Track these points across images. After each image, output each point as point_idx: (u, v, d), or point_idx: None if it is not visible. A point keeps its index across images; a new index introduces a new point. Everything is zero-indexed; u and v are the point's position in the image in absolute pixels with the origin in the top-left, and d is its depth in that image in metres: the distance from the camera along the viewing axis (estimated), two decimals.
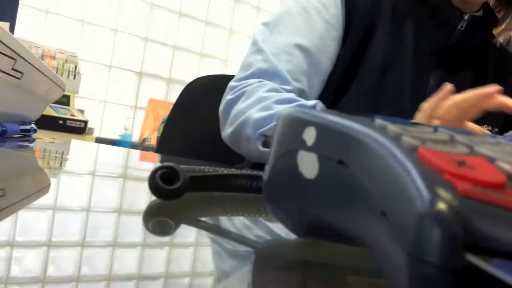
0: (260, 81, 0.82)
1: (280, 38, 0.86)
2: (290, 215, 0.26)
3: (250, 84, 0.82)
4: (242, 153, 0.85)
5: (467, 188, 0.16)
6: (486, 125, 0.90)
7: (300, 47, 0.85)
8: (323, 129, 0.23)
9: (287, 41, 0.85)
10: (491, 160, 0.18)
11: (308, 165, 0.23)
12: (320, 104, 0.77)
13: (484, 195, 0.16)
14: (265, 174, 0.27)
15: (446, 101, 0.72)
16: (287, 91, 0.82)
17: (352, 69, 0.89)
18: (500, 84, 0.92)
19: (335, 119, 0.22)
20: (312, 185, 0.23)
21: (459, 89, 0.90)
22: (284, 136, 0.26)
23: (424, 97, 0.83)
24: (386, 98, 0.90)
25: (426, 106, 0.74)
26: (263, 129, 0.76)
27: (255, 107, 0.78)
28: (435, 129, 0.22)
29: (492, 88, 0.71)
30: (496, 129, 0.93)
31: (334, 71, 0.90)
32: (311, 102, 0.77)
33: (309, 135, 0.23)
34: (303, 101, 0.78)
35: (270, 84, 0.81)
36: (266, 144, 0.79)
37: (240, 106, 0.81)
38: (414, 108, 0.81)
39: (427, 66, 0.94)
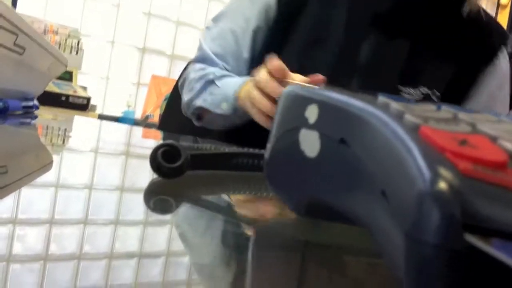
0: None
1: (219, 26, 0.95)
2: (290, 193, 0.26)
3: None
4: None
5: (468, 167, 0.16)
6: (423, 87, 0.90)
7: (231, 31, 0.93)
8: (325, 107, 0.22)
9: (222, 27, 0.94)
10: (493, 139, 0.18)
11: (310, 143, 0.23)
12: (222, 68, 0.86)
13: (485, 174, 0.15)
14: (267, 153, 0.27)
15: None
16: None
17: (281, 46, 0.93)
18: (442, 55, 0.90)
19: (337, 96, 0.22)
20: (313, 164, 0.23)
21: (395, 58, 0.90)
22: (286, 114, 0.26)
23: (354, 67, 0.88)
24: (313, 71, 0.89)
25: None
26: (191, 110, 0.89)
27: (185, 91, 0.91)
28: (439, 107, 0.22)
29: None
30: (437, 93, 0.91)
31: (263, 50, 0.93)
32: (215, 69, 0.87)
33: (312, 113, 0.23)
34: (211, 69, 0.87)
35: (197, 66, 0.91)
36: (200, 117, 0.90)
37: (182, 95, 0.94)
38: (344, 79, 0.86)
39: (361, 35, 0.94)
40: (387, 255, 0.17)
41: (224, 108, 0.83)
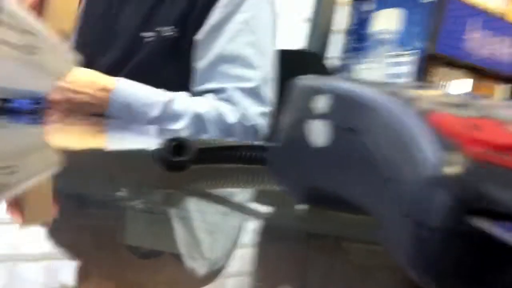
0: None
1: None
2: (295, 184, 0.26)
3: None
4: None
5: (478, 151, 0.15)
6: (161, 27, 0.95)
7: None
8: (333, 97, 0.22)
9: None
10: (503, 123, 0.17)
11: (317, 133, 0.23)
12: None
13: (495, 158, 0.15)
14: (273, 143, 0.27)
15: None
16: None
17: None
18: None
19: (345, 85, 0.21)
20: (320, 153, 0.23)
21: (133, 8, 0.99)
22: (293, 104, 0.26)
23: (96, 21, 1.02)
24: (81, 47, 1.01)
25: None
26: None
27: None
28: (448, 93, 0.21)
29: None
30: (175, 29, 0.95)
31: None
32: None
33: (319, 103, 0.23)
34: None
35: None
36: None
37: None
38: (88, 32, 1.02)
39: None
40: (394, 242, 0.17)
41: None
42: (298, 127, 0.24)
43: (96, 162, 0.41)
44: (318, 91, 0.23)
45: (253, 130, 0.93)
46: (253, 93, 0.93)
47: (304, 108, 0.24)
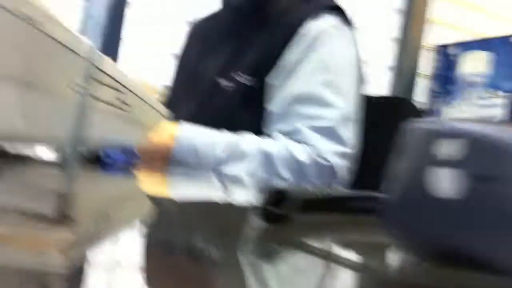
0: None
1: None
2: (417, 238, 0.23)
3: None
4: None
5: None
6: (234, 74, 0.96)
7: None
8: (466, 141, 0.19)
9: None
10: None
11: (444, 183, 0.20)
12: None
13: None
14: (389, 194, 0.24)
15: None
16: None
17: None
18: (248, 41, 0.99)
19: (483, 129, 0.19)
20: (449, 206, 0.20)
21: (214, 58, 1.02)
22: (409, 151, 0.23)
23: (187, 73, 1.09)
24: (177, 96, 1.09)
25: None
26: None
27: None
28: None
29: None
30: (249, 74, 0.95)
31: None
32: None
33: (445, 148, 0.20)
34: None
35: None
36: None
37: None
38: (181, 85, 1.09)
39: (193, 49, 1.12)
40: None
41: None
42: (417, 175, 0.22)
43: (191, 213, 0.40)
44: (442, 135, 0.21)
45: (329, 170, 0.88)
46: (328, 132, 0.89)
47: (424, 154, 0.22)
